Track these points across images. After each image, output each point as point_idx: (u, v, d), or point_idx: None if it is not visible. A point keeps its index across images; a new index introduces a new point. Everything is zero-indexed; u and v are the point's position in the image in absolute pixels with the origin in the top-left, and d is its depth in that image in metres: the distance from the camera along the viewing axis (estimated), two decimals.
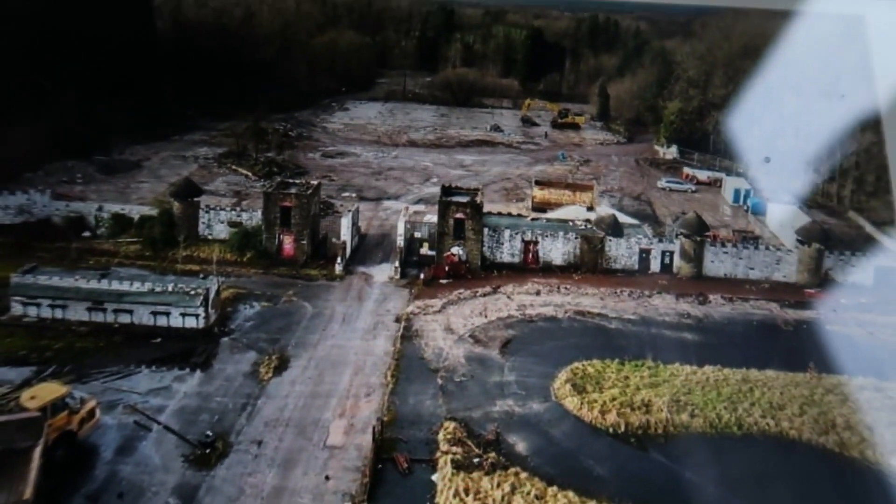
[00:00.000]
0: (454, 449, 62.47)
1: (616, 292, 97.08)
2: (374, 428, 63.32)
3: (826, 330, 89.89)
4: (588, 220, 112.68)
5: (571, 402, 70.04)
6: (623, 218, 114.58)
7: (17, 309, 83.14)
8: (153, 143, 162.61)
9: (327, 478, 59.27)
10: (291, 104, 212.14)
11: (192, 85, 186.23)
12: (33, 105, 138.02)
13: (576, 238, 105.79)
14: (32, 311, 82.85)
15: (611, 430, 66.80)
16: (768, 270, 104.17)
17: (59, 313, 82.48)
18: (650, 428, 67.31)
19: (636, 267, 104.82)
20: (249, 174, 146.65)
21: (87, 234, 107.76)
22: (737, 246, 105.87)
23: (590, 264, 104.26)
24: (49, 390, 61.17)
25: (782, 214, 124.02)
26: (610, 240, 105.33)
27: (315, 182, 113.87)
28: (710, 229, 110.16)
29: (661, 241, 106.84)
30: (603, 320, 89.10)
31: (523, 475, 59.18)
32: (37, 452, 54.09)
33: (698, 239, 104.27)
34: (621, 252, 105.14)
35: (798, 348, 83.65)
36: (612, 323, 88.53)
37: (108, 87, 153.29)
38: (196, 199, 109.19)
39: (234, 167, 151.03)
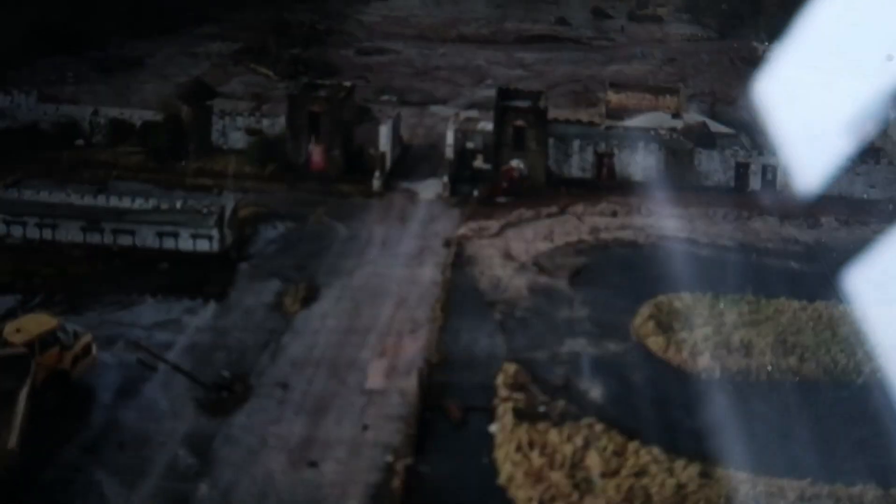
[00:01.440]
0: (516, 395, 61.36)
1: (708, 214, 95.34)
2: (420, 370, 62.80)
3: None
4: (673, 129, 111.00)
5: (655, 343, 68.93)
6: (715, 126, 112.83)
7: None
8: (157, 37, 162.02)
9: (365, 427, 58.58)
10: None
11: None
12: None
13: (659, 150, 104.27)
14: (17, 230, 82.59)
15: (703, 375, 65.69)
16: (893, 189, 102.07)
17: (48, 234, 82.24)
18: (751, 373, 66.15)
19: (732, 184, 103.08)
20: (270, 74, 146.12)
21: (80, 142, 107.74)
22: (854, 159, 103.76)
23: (676, 181, 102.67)
24: (37, 322, 60.66)
25: None
26: (700, 152, 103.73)
27: (348, 83, 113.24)
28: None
29: (760, 153, 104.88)
30: (693, 246, 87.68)
31: (598, 427, 57.93)
32: (23, 395, 53.60)
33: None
34: (714, 166, 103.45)
35: None
36: (704, 250, 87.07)
37: None
38: (208, 102, 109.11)
39: (252, 65, 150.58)
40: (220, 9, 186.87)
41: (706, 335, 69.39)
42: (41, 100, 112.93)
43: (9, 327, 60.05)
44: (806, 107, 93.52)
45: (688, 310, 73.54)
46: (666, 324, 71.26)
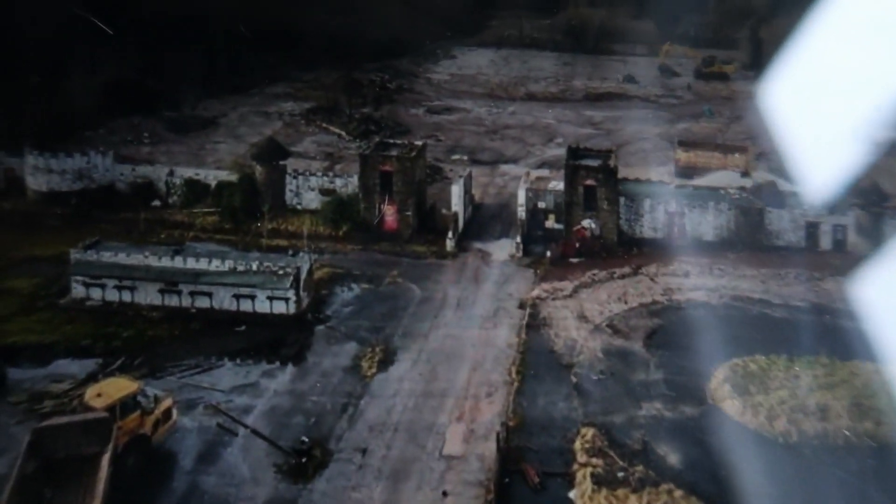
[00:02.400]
0: (594, 460, 61.11)
1: (780, 274, 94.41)
2: (497, 434, 62.24)
3: None
4: (743, 188, 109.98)
5: (732, 406, 68.19)
6: (785, 185, 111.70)
7: (78, 291, 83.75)
8: (230, 97, 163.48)
9: (445, 493, 58.34)
10: (389, 51, 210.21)
11: (273, 29, 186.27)
12: (91, 53, 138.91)
13: (729, 209, 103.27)
14: (96, 293, 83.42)
15: (780, 439, 64.76)
16: None
17: (126, 296, 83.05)
18: (828, 437, 65.07)
19: (803, 243, 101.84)
20: (342, 133, 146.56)
21: (156, 202, 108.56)
22: None
23: (747, 240, 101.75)
24: (118, 387, 60.89)
25: None
26: (770, 211, 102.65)
27: (420, 142, 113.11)
28: (891, 198, 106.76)
29: (832, 212, 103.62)
30: (766, 307, 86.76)
31: (677, 493, 57.65)
32: (105, 460, 53.93)
33: (877, 210, 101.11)
34: (784, 226, 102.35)
35: None
36: (777, 311, 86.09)
37: (176, 31, 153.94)
38: (282, 162, 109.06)
39: (324, 125, 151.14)
40: (291, 68, 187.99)
41: (782, 398, 68.51)
42: (117, 160, 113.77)
43: (90, 391, 60.55)
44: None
45: (763, 372, 72.67)
46: (741, 387, 70.34)
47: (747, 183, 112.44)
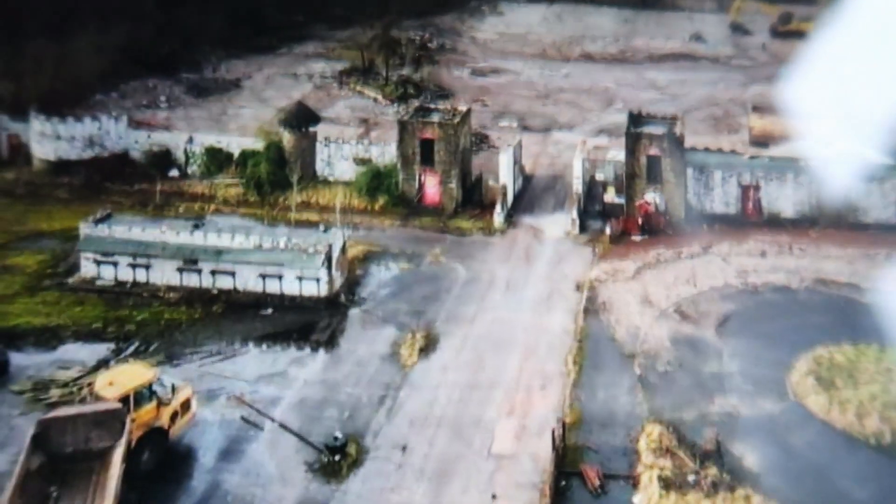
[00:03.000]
0: (661, 461, 60.46)
1: (869, 254, 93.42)
2: (553, 431, 61.61)
3: None
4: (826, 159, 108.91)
5: (816, 402, 67.41)
6: (874, 155, 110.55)
7: (88, 269, 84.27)
8: (255, 57, 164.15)
9: (494, 497, 57.90)
10: (430, 6, 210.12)
11: None
12: (104, 8, 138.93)
13: (811, 182, 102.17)
14: (108, 271, 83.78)
15: (872, 439, 63.91)
16: None
17: (141, 275, 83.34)
18: None
19: (894, 220, 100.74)
20: (379, 97, 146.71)
21: (174, 172, 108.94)
22: None
23: (831, 216, 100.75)
24: (132, 375, 60.68)
25: None
26: (857, 184, 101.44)
27: (464, 107, 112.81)
28: None
29: None
30: (853, 292, 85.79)
31: (755, 499, 56.99)
32: (117, 455, 53.68)
33: None
34: (874, 200, 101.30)
35: None
36: (867, 295, 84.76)
37: None
38: (312, 128, 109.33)
39: (358, 88, 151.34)
40: (322, 26, 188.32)
41: (873, 394, 67.66)
42: (132, 126, 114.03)
43: (101, 380, 60.30)
44: None
45: (851, 364, 71.85)
46: (827, 380, 69.59)
47: (831, 152, 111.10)
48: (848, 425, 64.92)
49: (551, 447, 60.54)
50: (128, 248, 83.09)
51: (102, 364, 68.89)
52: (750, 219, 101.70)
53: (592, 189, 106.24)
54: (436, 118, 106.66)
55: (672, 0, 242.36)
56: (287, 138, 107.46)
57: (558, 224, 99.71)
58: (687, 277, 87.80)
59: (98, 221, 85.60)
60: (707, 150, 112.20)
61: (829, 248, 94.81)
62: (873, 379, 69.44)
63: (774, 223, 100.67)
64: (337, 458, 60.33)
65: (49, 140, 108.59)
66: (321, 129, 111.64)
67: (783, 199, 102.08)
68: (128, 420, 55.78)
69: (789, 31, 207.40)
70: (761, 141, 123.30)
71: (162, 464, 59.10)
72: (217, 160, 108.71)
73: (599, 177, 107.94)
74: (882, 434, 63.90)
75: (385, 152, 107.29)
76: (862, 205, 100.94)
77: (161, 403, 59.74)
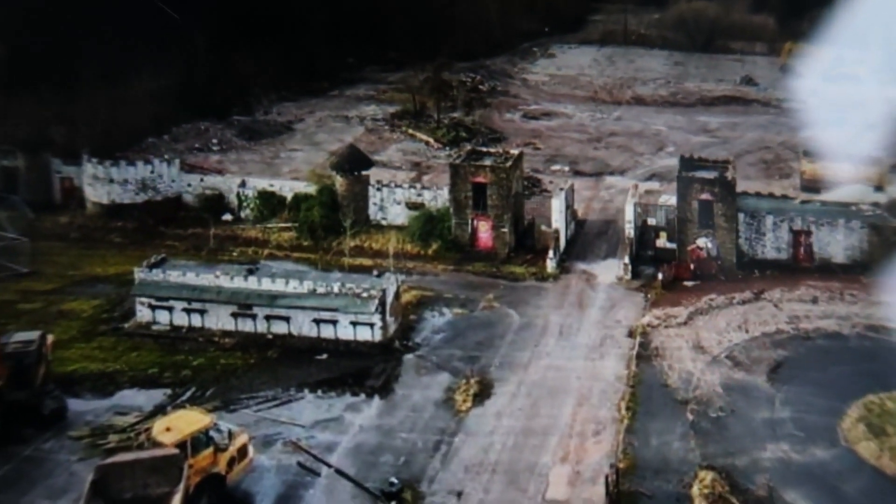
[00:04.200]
0: None
1: None
2: (607, 477, 62.43)
3: None
4: (877, 204, 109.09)
5: (867, 449, 67.75)
6: None
7: (143, 314, 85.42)
8: (306, 100, 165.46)
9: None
10: (481, 50, 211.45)
11: (354, 25, 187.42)
12: (157, 52, 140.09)
13: (862, 227, 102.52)
14: (163, 316, 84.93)
15: None
16: None
17: (196, 320, 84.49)
18: None
19: None
20: (431, 140, 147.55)
21: (227, 216, 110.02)
22: None
23: (882, 262, 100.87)
24: (188, 420, 61.59)
25: None
26: None
27: (516, 151, 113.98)
28: None
29: None
30: None
31: None
32: (176, 501, 54.65)
33: None
34: None
35: None
36: None
37: (248, 29, 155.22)
38: (364, 172, 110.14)
39: (410, 131, 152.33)
40: (374, 69, 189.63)
41: None
42: (184, 169, 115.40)
43: (158, 425, 61.17)
44: None
45: None
46: (878, 427, 69.98)
47: (881, 198, 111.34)
48: None
49: (605, 493, 61.35)
50: (182, 293, 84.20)
51: (159, 410, 69.81)
52: (801, 264, 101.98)
53: (644, 234, 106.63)
54: (488, 162, 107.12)
55: (723, 43, 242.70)
56: (339, 182, 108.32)
57: (611, 269, 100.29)
58: (739, 323, 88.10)
59: (152, 266, 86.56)
60: (758, 194, 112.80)
61: (881, 294, 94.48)
62: None
63: (826, 269, 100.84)
64: (392, 503, 61.22)
65: (102, 184, 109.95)
66: (373, 173, 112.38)
67: (834, 244, 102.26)
68: (185, 466, 56.72)
69: (841, 74, 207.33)
70: (812, 186, 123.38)
71: None
72: (270, 204, 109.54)
73: (651, 222, 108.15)
74: None
75: (437, 196, 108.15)
76: None
77: (218, 449, 60.61)
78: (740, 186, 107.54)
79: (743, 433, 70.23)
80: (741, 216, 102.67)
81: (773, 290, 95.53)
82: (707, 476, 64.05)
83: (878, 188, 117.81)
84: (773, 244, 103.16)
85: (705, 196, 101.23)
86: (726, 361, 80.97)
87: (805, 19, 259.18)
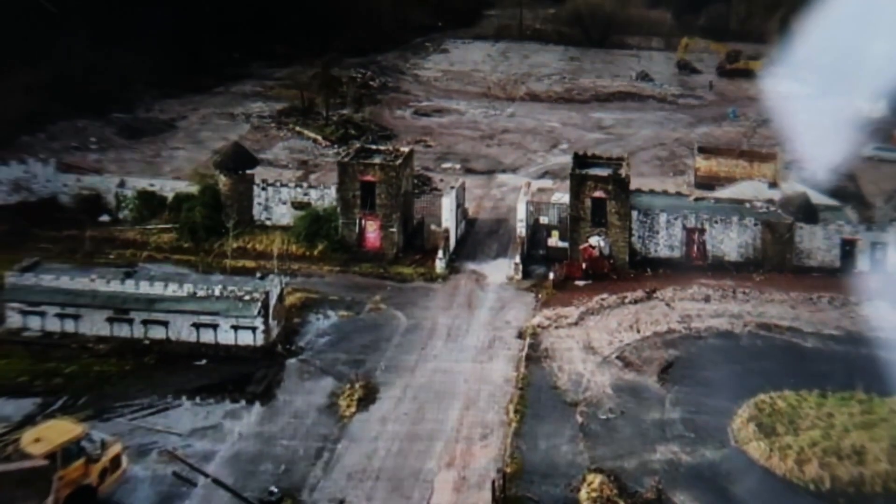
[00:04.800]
0: None
1: (811, 299, 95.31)
2: (493, 482, 62.57)
3: None
4: (771, 201, 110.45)
5: (757, 448, 68.67)
6: (817, 197, 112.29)
7: (14, 319, 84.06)
8: (190, 97, 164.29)
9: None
10: (372, 45, 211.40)
11: (240, 18, 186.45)
12: (33, 44, 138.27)
13: (755, 225, 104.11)
14: (35, 322, 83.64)
15: (812, 486, 65.25)
16: None
17: (70, 325, 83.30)
18: (864, 484, 65.51)
19: (837, 264, 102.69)
20: (319, 138, 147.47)
21: (105, 218, 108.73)
22: None
23: (775, 260, 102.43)
24: (59, 431, 60.74)
25: None
26: (801, 227, 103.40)
27: (406, 149, 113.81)
28: None
29: (870, 228, 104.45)
30: (795, 336, 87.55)
31: None
32: None
33: None
34: (817, 244, 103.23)
35: None
36: (808, 340, 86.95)
37: (129, 21, 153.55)
38: (249, 171, 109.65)
39: (297, 129, 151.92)
40: (261, 64, 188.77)
41: (813, 440, 69.02)
42: (60, 169, 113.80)
43: (27, 436, 60.08)
44: None
45: (792, 411, 73.19)
46: (768, 427, 70.90)
47: (776, 195, 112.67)
48: (788, 472, 66.16)
49: (491, 499, 61.41)
50: (56, 298, 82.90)
51: (29, 420, 68.43)
52: (694, 262, 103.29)
53: (536, 233, 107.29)
54: (377, 160, 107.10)
55: (619, 38, 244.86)
56: (223, 182, 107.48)
57: (501, 269, 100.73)
58: (630, 323, 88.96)
59: (24, 270, 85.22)
60: (652, 192, 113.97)
61: (773, 292, 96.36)
62: (814, 425, 70.79)
63: (719, 267, 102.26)
64: None
65: None
66: (258, 172, 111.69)
67: (728, 242, 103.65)
68: (55, 478, 56.06)
69: (736, 70, 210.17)
70: (707, 183, 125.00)
71: None
72: (150, 205, 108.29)
73: (543, 220, 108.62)
74: (822, 480, 65.21)
75: (324, 196, 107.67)
76: (805, 248, 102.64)
77: (90, 460, 59.78)
78: (634, 184, 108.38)
79: (632, 435, 70.84)
80: (634, 214, 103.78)
81: (665, 288, 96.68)
82: (595, 479, 64.41)
83: (773, 185, 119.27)
84: (666, 242, 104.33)
85: (598, 194, 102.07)
86: (617, 362, 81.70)
87: (702, 15, 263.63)
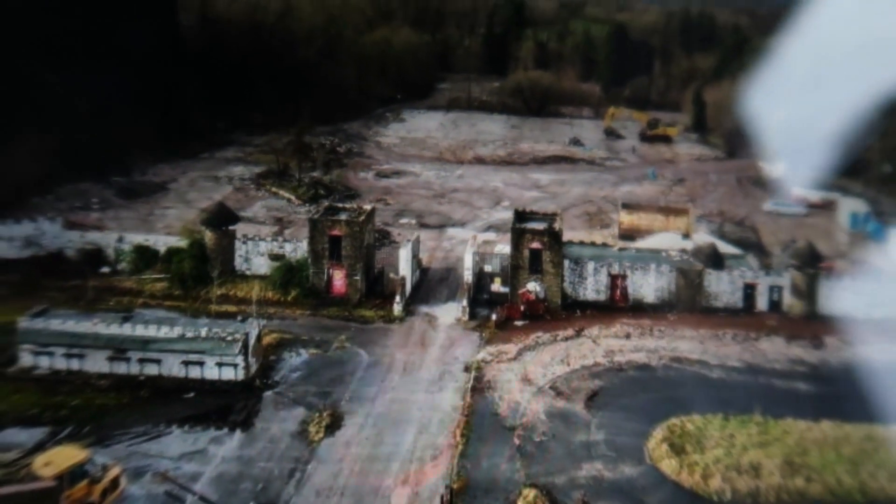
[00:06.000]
0: None
1: (718, 335, 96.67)
2: (442, 497, 63.58)
3: None
4: (684, 250, 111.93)
5: (669, 466, 69.94)
6: (724, 247, 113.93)
7: (26, 359, 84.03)
8: (180, 162, 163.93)
9: None
10: (339, 114, 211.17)
11: (224, 92, 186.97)
12: (41, 116, 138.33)
13: (670, 271, 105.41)
14: (44, 361, 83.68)
15: (715, 497, 66.51)
16: (893, 308, 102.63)
17: (75, 364, 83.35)
18: (760, 495, 66.89)
19: (740, 305, 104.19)
20: (292, 197, 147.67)
21: (105, 269, 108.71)
22: (856, 280, 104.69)
23: (687, 302, 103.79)
24: (66, 456, 61.62)
25: None
26: (709, 273, 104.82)
27: (368, 206, 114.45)
28: (825, 260, 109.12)
29: (768, 274, 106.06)
30: (703, 368, 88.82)
31: None
32: None
33: (811, 272, 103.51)
34: (723, 287, 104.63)
35: None
36: (714, 371, 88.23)
37: (126, 95, 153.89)
38: (231, 227, 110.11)
39: (274, 189, 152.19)
40: (242, 133, 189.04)
41: (717, 457, 70.51)
42: (66, 226, 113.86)
43: (38, 461, 61.04)
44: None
45: (699, 432, 74.64)
46: (679, 446, 72.23)
47: (688, 245, 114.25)
48: (695, 485, 67.51)
49: None
50: (62, 340, 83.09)
51: (40, 446, 68.52)
52: (617, 304, 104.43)
53: (481, 280, 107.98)
54: (343, 217, 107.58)
55: (555, 108, 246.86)
56: (208, 236, 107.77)
57: (451, 312, 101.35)
58: (561, 358, 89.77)
59: (35, 315, 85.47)
60: (581, 243, 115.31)
61: (684, 329, 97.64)
62: (717, 444, 72.22)
63: (638, 308, 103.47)
64: None
65: None
66: (240, 228, 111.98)
67: (646, 286, 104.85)
68: (62, 497, 57.09)
69: (656, 135, 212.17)
70: (629, 235, 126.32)
71: None
72: (145, 257, 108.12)
73: (487, 268, 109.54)
74: (724, 492, 66.58)
75: (297, 248, 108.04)
76: (713, 290, 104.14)
77: (93, 481, 60.81)
78: (566, 236, 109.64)
79: (562, 454, 71.67)
80: (566, 262, 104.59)
81: (592, 327, 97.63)
82: (530, 493, 65.43)
83: (685, 236, 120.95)
84: (593, 287, 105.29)
85: (535, 245, 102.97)
86: (550, 391, 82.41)
87: (626, 87, 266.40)
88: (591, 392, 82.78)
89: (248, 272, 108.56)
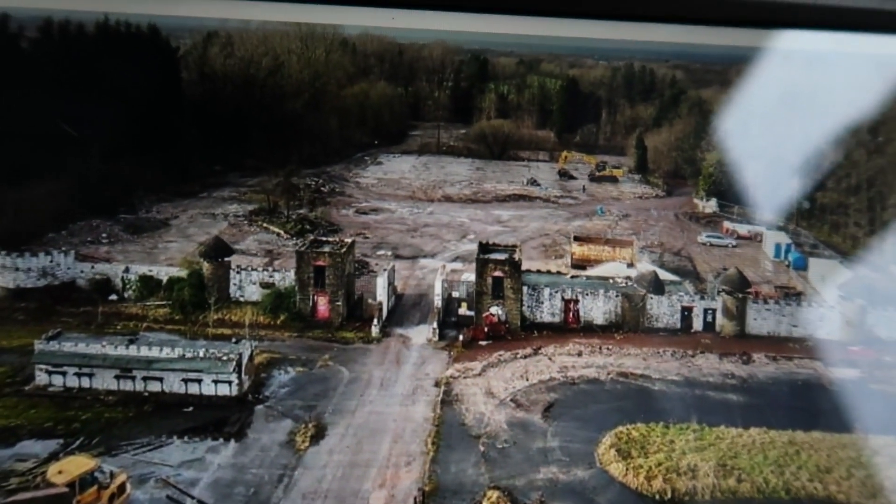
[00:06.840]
0: None
1: (659, 352, 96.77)
2: (415, 499, 63.67)
3: (872, 389, 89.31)
4: (629, 278, 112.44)
5: (616, 468, 70.03)
6: (664, 274, 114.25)
7: (41, 378, 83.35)
8: (181, 201, 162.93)
9: None
10: (323, 158, 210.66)
11: (220, 139, 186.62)
12: (56, 160, 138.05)
13: (617, 296, 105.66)
14: (58, 379, 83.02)
15: (657, 496, 66.72)
16: (812, 328, 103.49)
17: (85, 382, 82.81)
18: (697, 494, 67.12)
19: (678, 325, 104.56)
20: (281, 232, 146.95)
21: (113, 297, 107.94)
22: (779, 303, 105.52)
23: (631, 323, 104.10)
24: (77, 464, 61.58)
25: (824, 269, 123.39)
26: (651, 297, 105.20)
27: (349, 240, 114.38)
28: (752, 285, 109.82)
29: (702, 298, 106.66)
30: (646, 382, 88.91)
31: None
32: None
33: (740, 296, 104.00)
34: (663, 310, 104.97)
35: (844, 408, 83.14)
36: (656, 384, 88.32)
37: (133, 141, 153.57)
38: (227, 259, 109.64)
39: (265, 225, 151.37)
40: (236, 175, 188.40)
41: (659, 461, 70.65)
42: (78, 259, 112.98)
43: (52, 469, 61.11)
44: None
45: (643, 438, 74.79)
46: (626, 451, 72.33)
47: (632, 273, 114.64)
48: (640, 486, 67.67)
49: None
50: (74, 360, 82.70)
51: (53, 456, 68.20)
52: (570, 326, 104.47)
53: (450, 304, 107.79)
54: (327, 249, 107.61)
55: (514, 152, 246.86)
56: (206, 267, 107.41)
57: (422, 333, 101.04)
58: (521, 373, 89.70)
59: (50, 338, 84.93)
60: (539, 271, 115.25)
61: (630, 347, 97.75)
62: (659, 449, 72.37)
63: (589, 329, 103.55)
64: None
65: (9, 271, 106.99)
66: (234, 259, 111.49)
67: (596, 309, 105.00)
68: (74, 502, 56.85)
69: (604, 176, 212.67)
70: (580, 264, 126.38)
71: None
72: (149, 286, 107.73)
73: (455, 294, 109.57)
74: (665, 492, 66.82)
75: (286, 277, 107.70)
76: (654, 313, 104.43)
77: (101, 487, 60.64)
78: (525, 265, 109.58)
79: (522, 460, 71.67)
80: (525, 289, 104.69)
81: (548, 346, 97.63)
82: (493, 494, 65.40)
83: (630, 265, 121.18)
84: (549, 310, 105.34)
85: (497, 273, 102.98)
86: (510, 403, 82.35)
87: (577, 134, 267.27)
88: (548, 404, 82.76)
89: (241, 299, 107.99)
